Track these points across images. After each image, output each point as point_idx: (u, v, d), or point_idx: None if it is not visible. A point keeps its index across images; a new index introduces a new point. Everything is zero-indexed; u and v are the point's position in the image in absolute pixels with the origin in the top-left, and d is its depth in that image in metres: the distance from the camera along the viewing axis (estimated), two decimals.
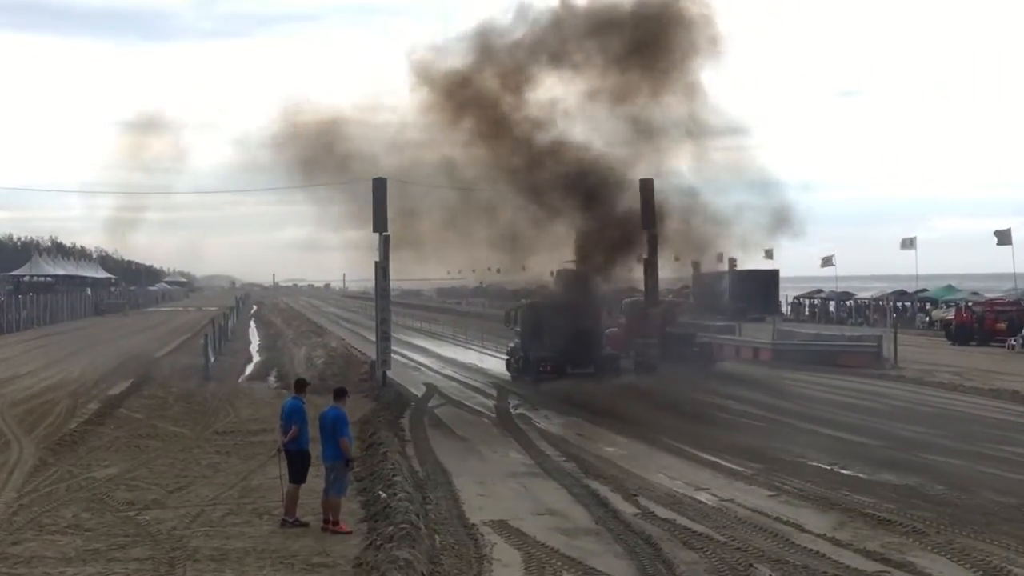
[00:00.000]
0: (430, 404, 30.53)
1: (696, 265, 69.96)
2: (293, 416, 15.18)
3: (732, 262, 68.29)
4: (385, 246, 33.41)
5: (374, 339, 35.13)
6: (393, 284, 34.06)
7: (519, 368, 34.84)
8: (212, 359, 40.66)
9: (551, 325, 33.05)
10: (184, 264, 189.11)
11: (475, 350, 52.64)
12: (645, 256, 34.30)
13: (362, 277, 76.15)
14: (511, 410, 29.12)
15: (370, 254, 33.78)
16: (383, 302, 33.57)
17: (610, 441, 23.57)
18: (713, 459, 20.66)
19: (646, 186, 34.17)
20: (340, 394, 15.41)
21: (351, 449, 15.30)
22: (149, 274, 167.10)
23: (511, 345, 36.34)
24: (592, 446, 22.92)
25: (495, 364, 44.68)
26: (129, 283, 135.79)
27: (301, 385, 15.88)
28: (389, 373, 34.05)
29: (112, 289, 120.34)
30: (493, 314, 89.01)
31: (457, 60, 33.36)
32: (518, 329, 35.46)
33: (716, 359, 37.15)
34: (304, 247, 73.89)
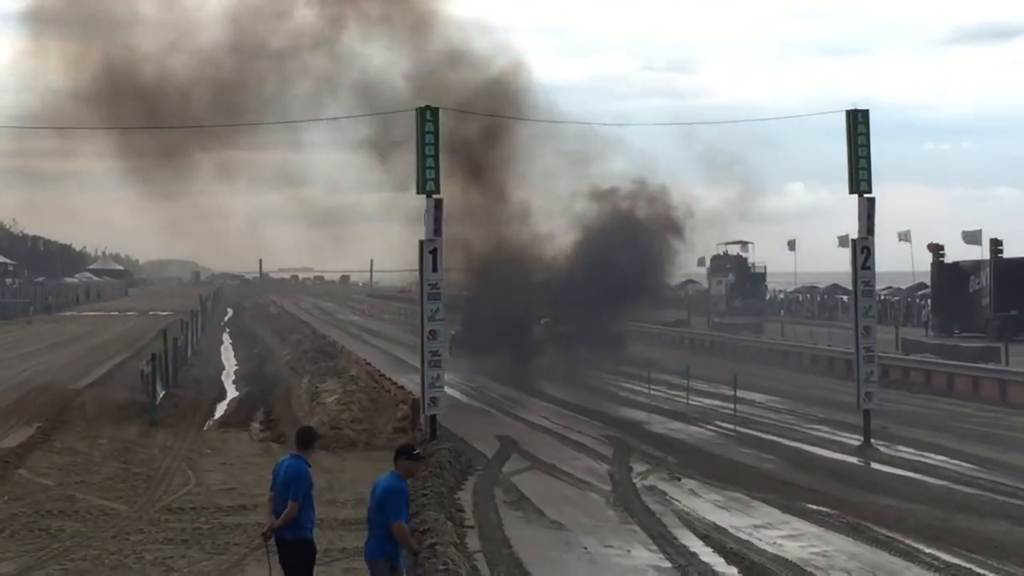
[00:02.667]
0: (506, 468, 30.69)
1: (937, 251, 73.51)
2: (291, 486, 15.07)
3: (996, 246, 69.63)
4: (436, 215, 33.57)
5: (417, 364, 35.37)
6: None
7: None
8: (162, 394, 41.28)
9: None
10: (120, 244, 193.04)
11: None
12: None
13: (398, 265, 77.45)
14: (636, 479, 29.22)
15: (409, 229, 34.09)
16: (431, 305, 33.71)
17: (795, 530, 23.42)
18: None
19: None
20: (404, 453, 15.05)
21: (409, 537, 14.97)
22: (66, 258, 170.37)
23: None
24: (769, 536, 22.78)
25: (609, 402, 44.75)
26: (34, 272, 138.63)
27: (307, 438, 15.70)
28: (441, 418, 34.26)
29: (8, 282, 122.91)
30: None
31: None
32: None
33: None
34: (313, 218, 75.18)
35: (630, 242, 57.28)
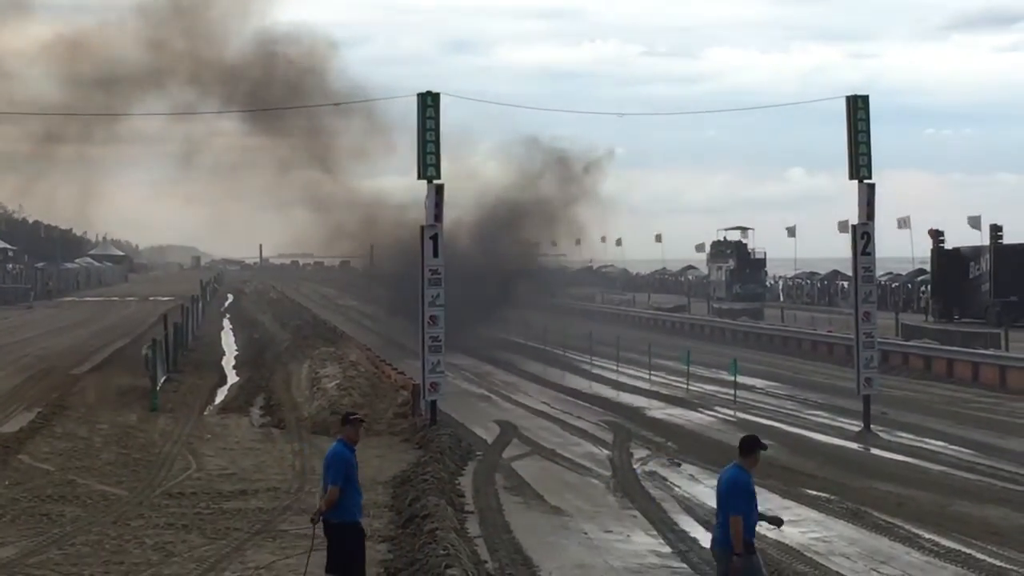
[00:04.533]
0: (506, 454, 30.73)
1: (937, 237, 74.23)
2: (330, 470, 15.83)
3: (996, 231, 70.14)
4: (436, 200, 33.58)
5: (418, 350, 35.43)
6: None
7: None
8: (163, 379, 41.31)
9: None
10: (121, 229, 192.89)
11: (577, 360, 53.24)
12: None
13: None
14: (636, 465, 29.24)
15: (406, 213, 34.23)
16: (432, 290, 33.76)
17: (795, 515, 23.43)
18: None
19: None
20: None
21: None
22: (68, 243, 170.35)
23: None
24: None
25: (612, 388, 44.84)
26: (35, 257, 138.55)
27: (344, 423, 16.41)
28: (442, 404, 34.29)
29: (9, 268, 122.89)
30: (606, 310, 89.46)
31: None
32: None
33: None
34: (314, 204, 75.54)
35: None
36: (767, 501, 24.90)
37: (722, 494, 14.77)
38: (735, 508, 14.56)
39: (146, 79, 60.27)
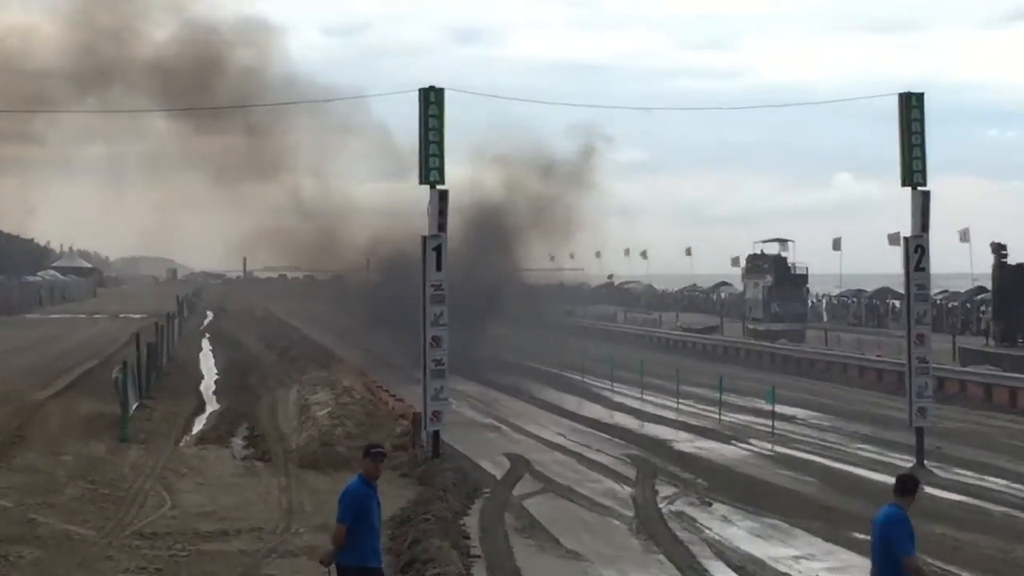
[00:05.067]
0: (517, 491, 30.71)
1: (999, 251, 74.26)
2: (339, 506, 15.94)
3: None
4: (440, 208, 33.60)
5: (419, 375, 35.38)
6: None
7: None
8: (134, 406, 41.29)
9: None
10: (89, 239, 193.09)
11: (596, 386, 53.22)
12: None
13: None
14: (662, 504, 29.26)
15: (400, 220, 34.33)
16: (434, 308, 33.75)
17: (840, 561, 23.42)
18: None
19: None
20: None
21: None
22: (29, 254, 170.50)
23: None
24: (811, 568, 22.75)
25: (635, 418, 44.80)
26: None
27: (363, 456, 16.45)
28: (445, 435, 34.26)
29: None
30: (616, 330, 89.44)
31: None
32: None
33: None
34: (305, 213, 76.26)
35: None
36: (808, 545, 24.95)
37: (886, 538, 14.84)
38: (905, 550, 14.70)
39: (91, 76, 61.35)
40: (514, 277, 75.87)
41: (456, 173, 35.90)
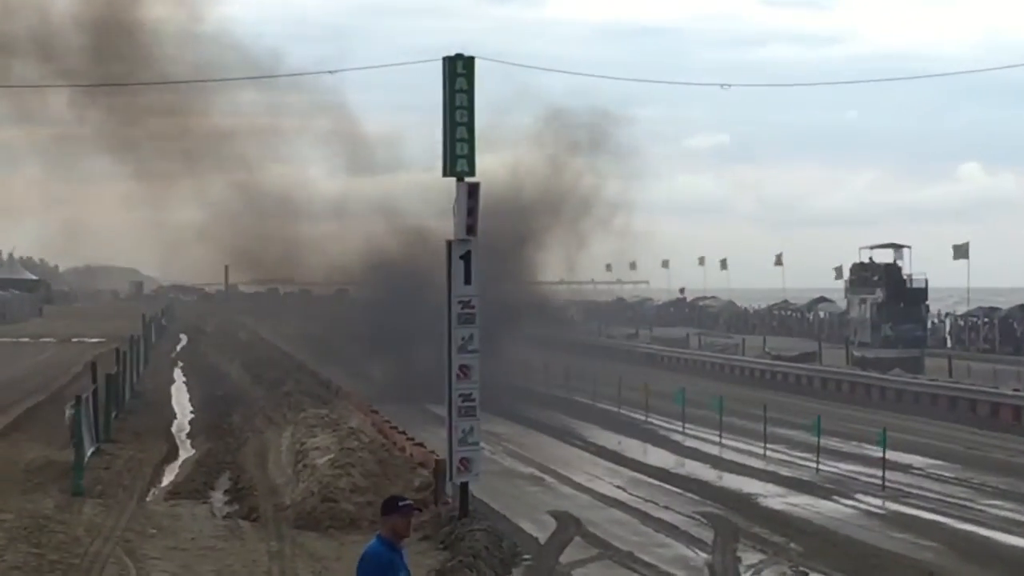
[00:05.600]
0: (564, 559, 30.74)
1: None
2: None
3: None
4: (469, 206, 33.63)
5: (444, 415, 35.43)
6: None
7: None
8: (90, 451, 41.42)
9: None
10: (33, 245, 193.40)
11: (663, 427, 53.25)
12: None
13: None
14: (746, 574, 29.28)
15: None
16: (463, 330, 33.72)
17: None
18: None
19: None
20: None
21: None
22: None
23: None
24: None
25: (712, 467, 44.82)
26: None
27: (391, 511, 16.26)
28: (475, 488, 34.28)
29: None
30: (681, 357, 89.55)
31: None
32: None
33: None
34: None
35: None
36: None
37: None
38: None
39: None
40: (536, 291, 76.38)
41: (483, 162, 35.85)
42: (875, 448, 42.51)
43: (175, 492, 38.76)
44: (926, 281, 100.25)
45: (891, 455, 42.03)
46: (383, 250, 79.34)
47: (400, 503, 16.03)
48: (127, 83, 61.00)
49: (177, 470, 43.44)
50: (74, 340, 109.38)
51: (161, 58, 68.64)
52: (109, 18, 66.16)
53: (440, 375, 33.92)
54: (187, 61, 68.23)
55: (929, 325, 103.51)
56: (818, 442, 46.12)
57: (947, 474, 44.61)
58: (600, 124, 79.26)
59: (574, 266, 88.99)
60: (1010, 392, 60.64)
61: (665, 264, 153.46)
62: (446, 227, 35.53)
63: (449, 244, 33.86)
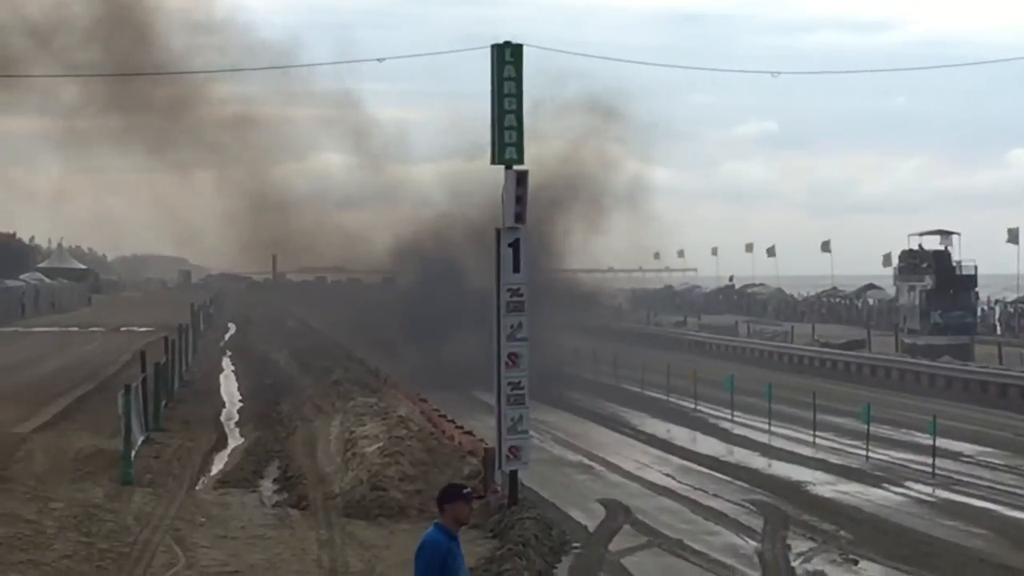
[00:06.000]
0: (614, 546, 30.75)
1: None
2: (417, 565, 15.83)
3: None
4: (518, 194, 33.61)
5: (493, 402, 35.41)
6: None
7: None
8: (140, 440, 41.53)
9: None
10: (83, 233, 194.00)
11: (712, 415, 53.26)
12: None
13: None
14: (796, 562, 29.24)
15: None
16: (512, 318, 33.70)
17: None
18: None
19: None
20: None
21: None
22: (8, 252, 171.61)
23: None
24: None
25: (761, 455, 44.76)
26: None
27: (440, 497, 16.27)
28: (524, 476, 34.32)
29: None
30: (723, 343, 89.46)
31: None
32: None
33: None
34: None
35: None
36: None
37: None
38: None
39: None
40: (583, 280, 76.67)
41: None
42: (925, 436, 42.40)
43: (224, 481, 38.82)
44: (975, 268, 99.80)
45: (941, 443, 41.90)
46: (422, 238, 79.73)
47: (463, 490, 16.04)
48: (180, 71, 61.14)
49: (226, 459, 43.50)
50: (123, 329, 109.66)
51: (204, 47, 68.82)
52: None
53: (480, 361, 34.00)
54: (231, 48, 68.31)
55: (979, 312, 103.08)
56: (867, 430, 45.98)
57: (997, 461, 44.48)
58: (644, 111, 79.27)
59: (620, 253, 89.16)
60: None
61: (714, 251, 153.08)
62: (485, 215, 35.77)
63: (498, 232, 33.85)
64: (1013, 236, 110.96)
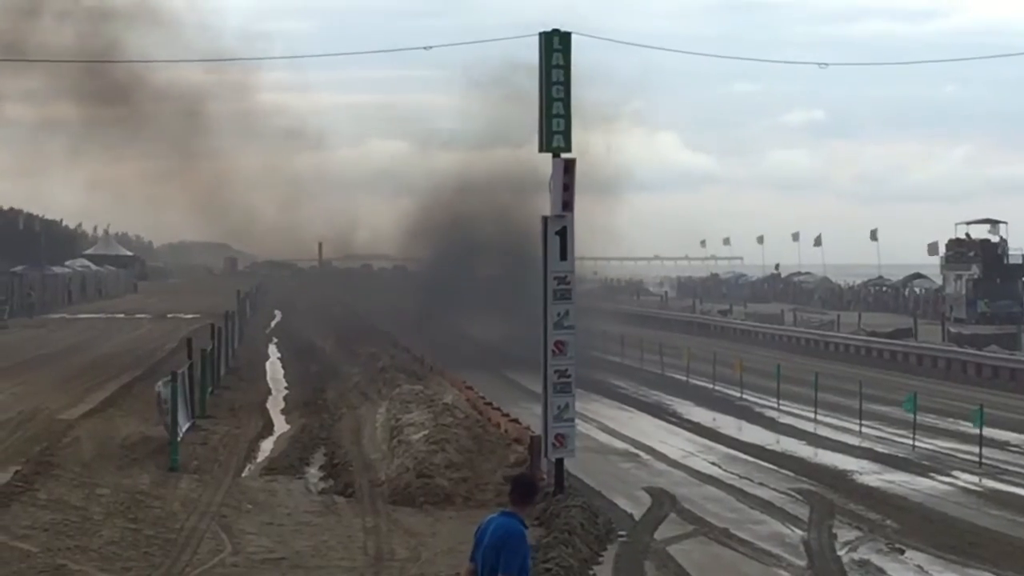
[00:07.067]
0: (659, 535, 30.71)
1: None
2: (502, 553, 15.97)
3: None
4: (565, 181, 33.58)
5: (540, 390, 35.40)
6: None
7: None
8: (186, 427, 41.63)
9: None
10: (128, 220, 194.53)
11: (758, 404, 53.18)
12: None
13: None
14: (842, 551, 29.17)
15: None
16: (558, 306, 33.70)
17: None
18: None
19: None
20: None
21: None
22: (56, 239, 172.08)
23: None
24: None
25: (808, 444, 44.70)
26: (11, 259, 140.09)
27: (525, 490, 16.55)
28: (571, 464, 34.31)
29: None
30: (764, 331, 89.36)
31: None
32: None
33: None
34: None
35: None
36: None
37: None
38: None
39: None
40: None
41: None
42: (971, 425, 42.25)
43: (271, 468, 38.91)
44: (1023, 257, 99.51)
45: (988, 432, 41.78)
46: (460, 223, 79.92)
47: (539, 482, 16.28)
48: (232, 58, 61.43)
49: (272, 446, 43.61)
50: (169, 316, 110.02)
51: (247, 34, 69.57)
52: None
53: (510, 343, 34.04)
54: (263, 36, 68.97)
55: None
56: (914, 419, 45.86)
57: None
58: (690, 100, 79.27)
59: (665, 242, 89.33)
60: None
61: (760, 240, 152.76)
62: (525, 203, 35.88)
63: (545, 220, 33.85)
64: None
